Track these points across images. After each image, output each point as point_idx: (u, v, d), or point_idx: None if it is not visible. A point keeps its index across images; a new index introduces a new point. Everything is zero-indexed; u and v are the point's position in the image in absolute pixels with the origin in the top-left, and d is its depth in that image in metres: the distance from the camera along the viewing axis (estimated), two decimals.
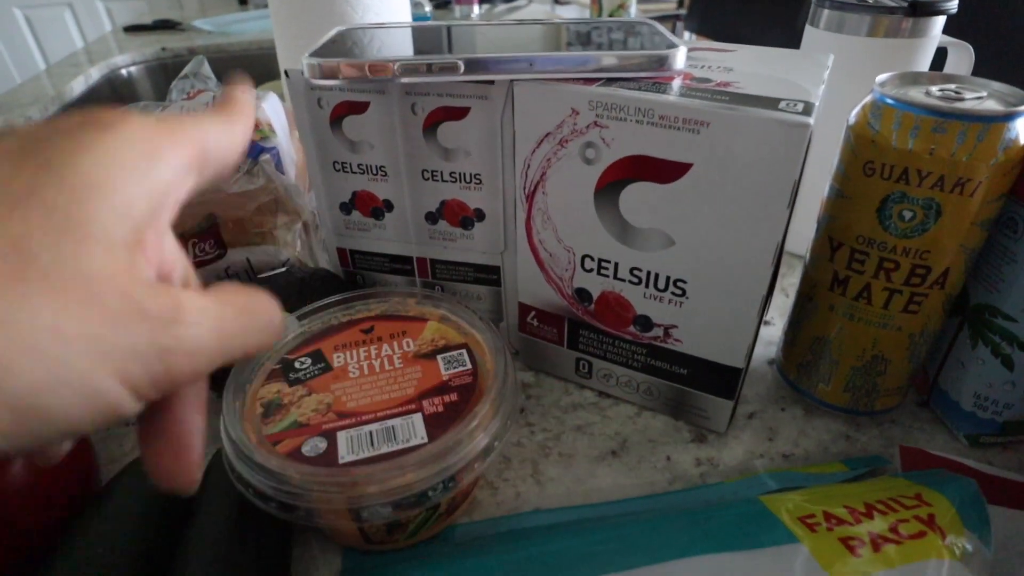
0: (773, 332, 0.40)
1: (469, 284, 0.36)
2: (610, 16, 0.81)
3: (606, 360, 0.33)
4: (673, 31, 1.78)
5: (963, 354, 0.31)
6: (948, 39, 0.43)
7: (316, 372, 0.27)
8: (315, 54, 0.29)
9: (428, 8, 0.74)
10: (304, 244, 0.41)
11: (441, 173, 0.32)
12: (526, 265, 0.32)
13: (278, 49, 0.59)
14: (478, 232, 0.33)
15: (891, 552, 0.21)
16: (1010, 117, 0.24)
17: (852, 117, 0.28)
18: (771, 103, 0.24)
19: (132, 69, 1.19)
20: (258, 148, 0.40)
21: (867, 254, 0.28)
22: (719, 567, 0.23)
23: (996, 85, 0.27)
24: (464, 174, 0.32)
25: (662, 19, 1.86)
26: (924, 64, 0.41)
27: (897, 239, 0.27)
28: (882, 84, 0.27)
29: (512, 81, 0.28)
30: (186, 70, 0.69)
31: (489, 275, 0.35)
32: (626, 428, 0.33)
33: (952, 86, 0.27)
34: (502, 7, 1.53)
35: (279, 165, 0.42)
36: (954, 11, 0.38)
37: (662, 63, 0.27)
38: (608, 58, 0.27)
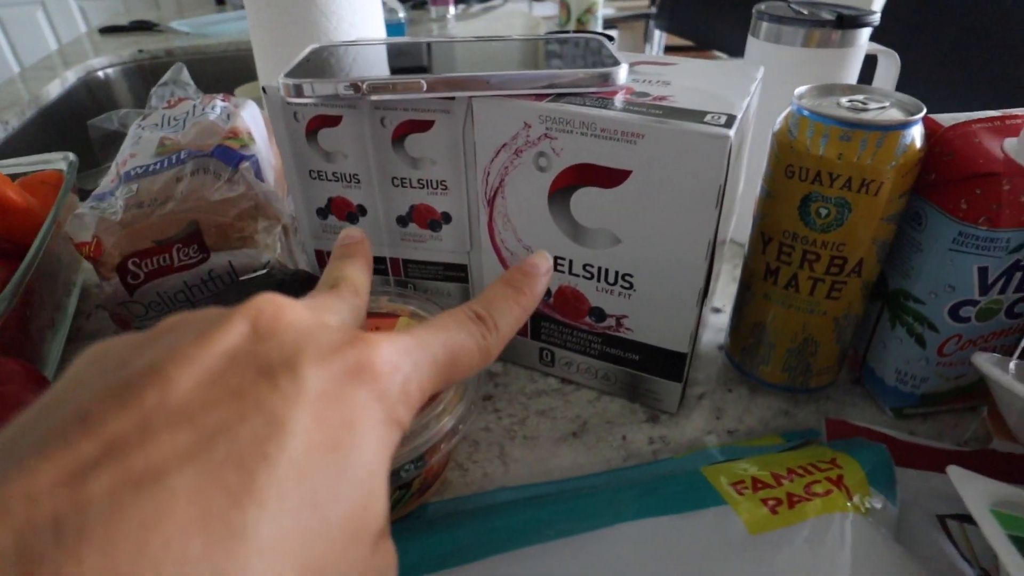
0: (723, 319, 0.43)
1: (440, 282, 0.38)
2: (579, 19, 0.84)
3: (566, 349, 0.36)
4: (646, 30, 1.82)
5: (885, 334, 0.34)
6: (877, 47, 0.46)
7: None
8: (290, 74, 0.31)
9: (402, 14, 0.76)
10: (284, 246, 0.43)
11: (410, 180, 0.35)
12: (490, 263, 0.35)
13: (256, 59, 0.61)
14: (446, 233, 0.36)
15: (803, 508, 0.24)
16: (905, 126, 0.27)
17: (776, 124, 0.31)
18: (698, 116, 0.27)
19: (109, 71, 1.19)
20: (238, 156, 0.42)
21: (792, 247, 0.31)
22: (661, 527, 0.26)
23: (899, 96, 0.30)
24: (431, 181, 0.35)
25: (634, 18, 1.89)
26: (854, 70, 0.44)
27: (816, 234, 0.30)
28: (800, 96, 0.30)
29: (471, 97, 0.31)
30: (165, 77, 0.71)
31: (458, 273, 0.37)
32: (586, 411, 0.36)
33: (860, 97, 0.30)
34: (477, 7, 1.56)
35: (259, 171, 0.45)
36: (877, 23, 0.42)
37: (606, 79, 0.30)
38: (557, 76, 0.30)
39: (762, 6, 0.46)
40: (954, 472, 0.22)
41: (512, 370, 0.39)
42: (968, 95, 0.82)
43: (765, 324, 0.34)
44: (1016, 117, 0.30)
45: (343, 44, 0.37)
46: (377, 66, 0.33)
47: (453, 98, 0.32)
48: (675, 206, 0.28)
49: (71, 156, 0.48)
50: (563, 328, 0.35)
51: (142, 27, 1.34)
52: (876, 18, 0.42)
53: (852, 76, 0.45)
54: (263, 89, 0.35)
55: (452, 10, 1.37)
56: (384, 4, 0.78)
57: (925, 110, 0.28)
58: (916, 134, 0.28)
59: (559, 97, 0.30)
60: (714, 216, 0.28)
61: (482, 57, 0.33)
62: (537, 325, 0.36)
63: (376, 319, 0.33)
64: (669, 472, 0.31)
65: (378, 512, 0.14)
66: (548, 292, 0.34)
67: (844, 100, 0.30)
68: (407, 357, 0.16)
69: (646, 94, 0.30)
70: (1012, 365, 0.30)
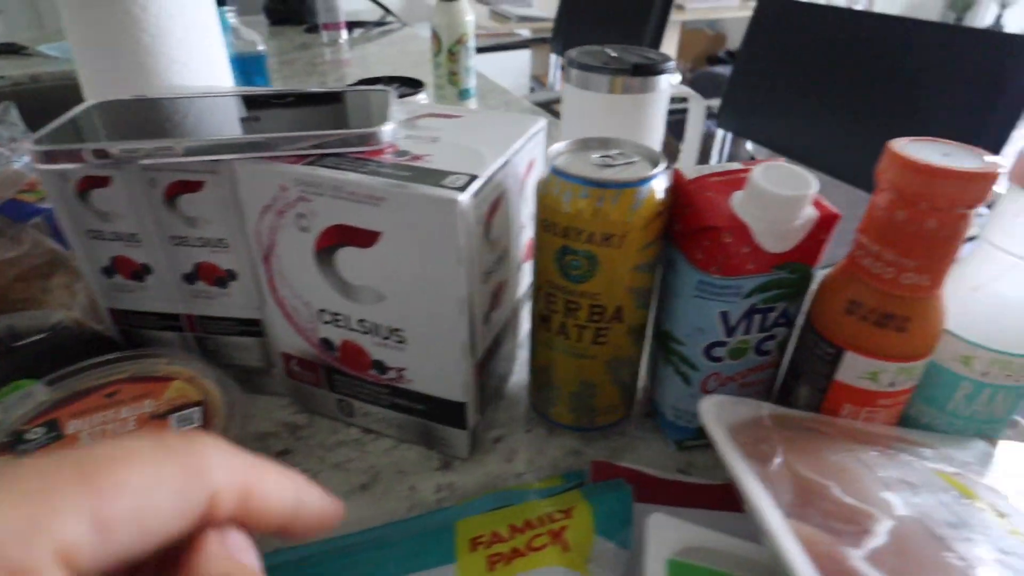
0: None
1: (236, 336, 0.38)
2: (450, 50, 0.85)
3: (360, 400, 0.36)
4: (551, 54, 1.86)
5: (660, 373, 0.36)
6: (685, 90, 0.49)
7: (46, 442, 0.29)
8: (40, 140, 0.30)
9: (261, 47, 0.75)
10: (91, 303, 0.42)
11: (189, 238, 0.34)
12: (277, 318, 0.35)
13: (85, 99, 0.59)
14: (234, 289, 0.36)
15: (518, 564, 0.25)
16: (640, 182, 0.29)
17: (539, 179, 0.32)
18: (440, 177, 0.28)
19: None
20: (29, 210, 0.40)
21: (556, 297, 0.32)
22: None
23: (648, 150, 0.32)
24: (210, 239, 0.34)
25: (542, 41, 1.93)
26: (661, 112, 0.47)
27: (573, 284, 0.31)
28: (555, 154, 0.31)
29: (233, 160, 0.31)
30: None
31: (252, 327, 0.37)
32: (381, 461, 0.36)
33: (613, 152, 0.32)
34: (375, 31, 1.55)
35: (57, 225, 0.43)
36: (672, 71, 0.44)
37: (369, 139, 0.31)
38: (317, 137, 0.30)
39: (573, 52, 0.48)
40: (653, 520, 0.23)
41: (316, 422, 0.38)
42: (835, 122, 0.88)
43: (549, 368, 0.35)
44: (747, 171, 0.32)
45: (126, 99, 0.36)
46: (142, 127, 0.32)
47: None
48: (426, 265, 0.29)
49: None
50: (353, 380, 0.35)
51: (9, 50, 1.26)
52: (671, 66, 0.45)
53: (659, 118, 0.48)
54: (30, 151, 0.33)
55: (344, 35, 1.36)
56: (240, 36, 0.76)
57: (664, 165, 0.30)
58: (654, 188, 0.30)
59: (319, 159, 0.30)
60: (460, 275, 0.29)
61: (254, 116, 0.33)
62: (331, 377, 0.36)
63: (150, 384, 0.32)
64: (429, 526, 0.31)
65: None
66: (333, 346, 0.34)
67: (595, 156, 0.32)
68: None
69: (407, 153, 0.31)
70: (766, 412, 0.32)
